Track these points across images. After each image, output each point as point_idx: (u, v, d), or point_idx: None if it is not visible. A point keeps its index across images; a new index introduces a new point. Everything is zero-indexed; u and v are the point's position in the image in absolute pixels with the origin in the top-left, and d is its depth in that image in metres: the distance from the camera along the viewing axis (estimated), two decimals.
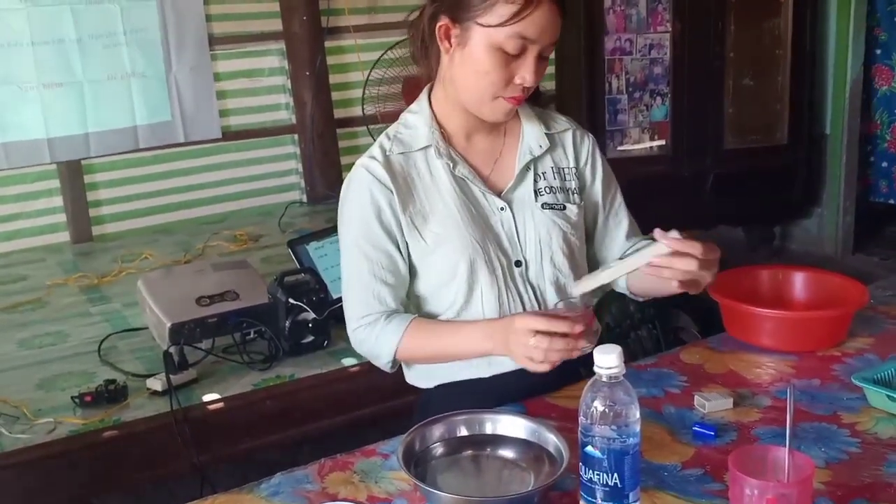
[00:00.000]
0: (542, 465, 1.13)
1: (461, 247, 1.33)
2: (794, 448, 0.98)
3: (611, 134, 3.62)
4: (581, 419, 1.01)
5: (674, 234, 1.22)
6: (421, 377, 1.43)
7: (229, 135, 3.87)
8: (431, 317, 1.38)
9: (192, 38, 3.68)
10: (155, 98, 3.64)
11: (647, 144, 3.70)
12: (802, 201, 3.97)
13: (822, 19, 3.80)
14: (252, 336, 2.25)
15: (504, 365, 1.37)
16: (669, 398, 1.36)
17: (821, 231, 4.02)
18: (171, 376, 2.04)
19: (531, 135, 1.40)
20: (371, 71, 3.61)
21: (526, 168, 1.39)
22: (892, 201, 3.96)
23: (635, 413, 1.00)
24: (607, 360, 0.99)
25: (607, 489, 1.00)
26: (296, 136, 4.02)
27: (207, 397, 2.07)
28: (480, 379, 1.36)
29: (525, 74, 1.27)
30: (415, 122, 1.38)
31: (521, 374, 1.37)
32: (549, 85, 3.54)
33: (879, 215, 4.09)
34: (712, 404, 1.30)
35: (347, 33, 3.96)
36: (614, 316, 2.75)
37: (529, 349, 1.18)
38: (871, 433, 1.22)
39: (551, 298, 1.38)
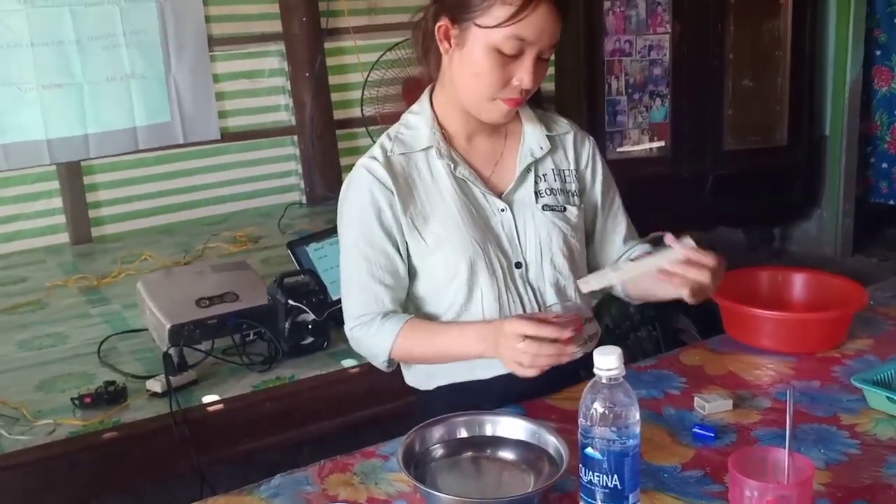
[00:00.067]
0: (542, 467, 1.13)
1: (461, 247, 1.33)
2: (793, 450, 0.98)
3: (610, 135, 3.62)
4: (581, 421, 1.01)
5: (688, 241, 1.23)
6: (421, 378, 1.43)
7: (229, 136, 3.87)
8: (431, 317, 1.38)
9: (191, 39, 3.68)
10: (154, 99, 3.64)
11: (647, 146, 3.70)
12: (802, 202, 3.98)
13: (822, 20, 3.80)
14: (252, 337, 2.25)
15: (503, 367, 1.37)
16: (669, 400, 1.36)
17: (820, 232, 4.02)
18: (171, 378, 2.04)
19: (532, 137, 1.40)
20: (370, 72, 3.61)
21: (527, 170, 1.39)
22: (892, 202, 3.96)
23: (635, 415, 1.00)
24: (607, 361, 0.99)
25: (607, 491, 1.00)
26: (295, 138, 4.02)
27: (207, 399, 2.06)
28: (480, 380, 1.36)
29: (523, 76, 1.26)
30: (416, 122, 1.38)
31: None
32: (549, 86, 3.55)
33: (879, 216, 4.09)
34: (712, 406, 1.30)
35: (347, 34, 3.96)
36: (614, 317, 2.75)
37: (518, 353, 1.18)
38: (870, 434, 1.22)
39: (551, 300, 1.38)
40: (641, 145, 3.70)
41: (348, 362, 2.20)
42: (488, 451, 1.19)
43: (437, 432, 1.19)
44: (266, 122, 3.98)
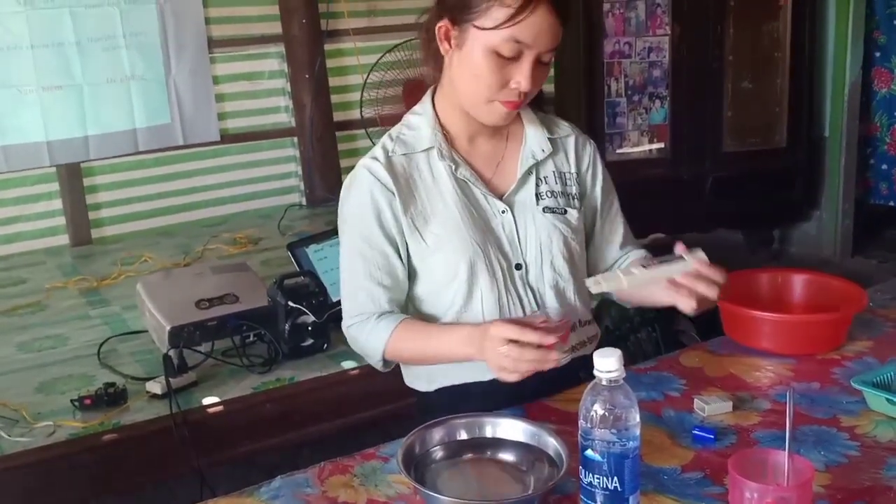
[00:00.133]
0: (542, 469, 1.14)
1: (461, 248, 1.33)
2: (793, 451, 0.98)
3: (610, 137, 3.63)
4: (581, 423, 1.01)
5: (700, 255, 1.23)
6: (421, 380, 1.43)
7: (228, 138, 3.87)
8: (431, 318, 1.39)
9: (191, 41, 3.68)
10: (154, 101, 3.64)
11: (646, 147, 3.71)
12: (801, 204, 3.98)
13: (821, 22, 3.80)
14: (252, 339, 2.25)
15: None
16: (669, 401, 1.36)
17: (820, 234, 4.02)
18: (171, 379, 2.04)
19: (534, 139, 1.40)
20: (369, 74, 3.61)
21: (528, 172, 1.39)
22: (891, 203, 3.96)
23: (635, 416, 1.00)
24: (607, 363, 0.99)
25: (607, 493, 1.00)
26: (295, 139, 4.02)
27: (207, 400, 2.06)
28: (480, 382, 1.37)
29: (520, 79, 1.27)
30: (418, 123, 1.39)
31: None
32: (549, 88, 3.55)
33: (879, 218, 4.09)
34: (712, 408, 1.30)
35: (347, 36, 3.97)
36: (614, 319, 2.75)
37: (500, 357, 1.18)
38: (870, 436, 1.23)
39: (551, 302, 1.38)
40: (641, 147, 3.71)
41: (348, 364, 2.20)
42: (488, 452, 1.19)
43: (438, 434, 1.19)
44: (266, 123, 3.98)
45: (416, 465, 1.14)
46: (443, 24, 1.30)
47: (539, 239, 1.37)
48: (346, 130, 4.04)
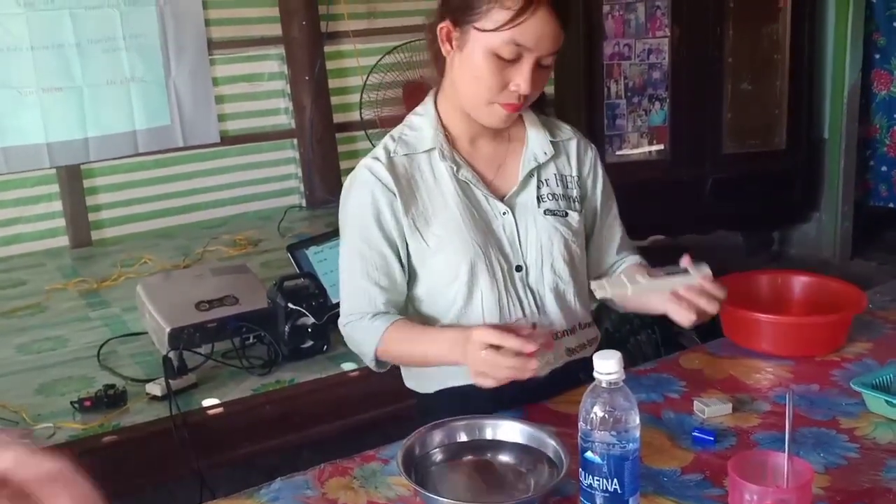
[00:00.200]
0: (542, 471, 1.14)
1: (462, 249, 1.33)
2: (793, 453, 0.98)
3: (609, 139, 3.63)
4: (581, 425, 1.01)
5: (705, 270, 1.24)
6: (420, 382, 1.43)
7: (228, 139, 3.87)
8: (431, 319, 1.39)
9: (191, 42, 3.69)
10: (154, 102, 3.65)
11: (646, 149, 3.71)
12: (801, 206, 3.98)
13: (821, 24, 3.81)
14: (251, 341, 2.26)
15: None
16: (669, 403, 1.36)
17: (819, 235, 4.02)
18: (171, 381, 2.04)
19: (536, 142, 1.41)
20: (368, 76, 3.61)
21: (529, 174, 1.39)
22: (891, 205, 3.96)
23: (635, 418, 1.00)
24: (607, 365, 0.99)
25: (607, 495, 1.00)
26: (295, 141, 4.02)
27: (207, 402, 2.06)
28: None
29: (520, 82, 1.27)
30: (420, 124, 1.39)
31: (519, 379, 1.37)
32: (548, 90, 3.54)
33: (878, 220, 4.09)
34: (711, 409, 1.30)
35: (347, 38, 3.97)
36: (613, 321, 2.75)
37: (479, 362, 1.17)
38: (869, 438, 1.23)
39: (551, 304, 1.39)
40: (640, 149, 3.71)
41: (348, 366, 2.20)
42: (488, 454, 1.19)
43: (437, 436, 1.19)
44: (266, 125, 3.99)
45: (416, 467, 1.14)
46: (444, 26, 1.31)
47: (540, 241, 1.37)
48: (346, 132, 4.05)
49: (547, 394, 1.37)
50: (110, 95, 3.54)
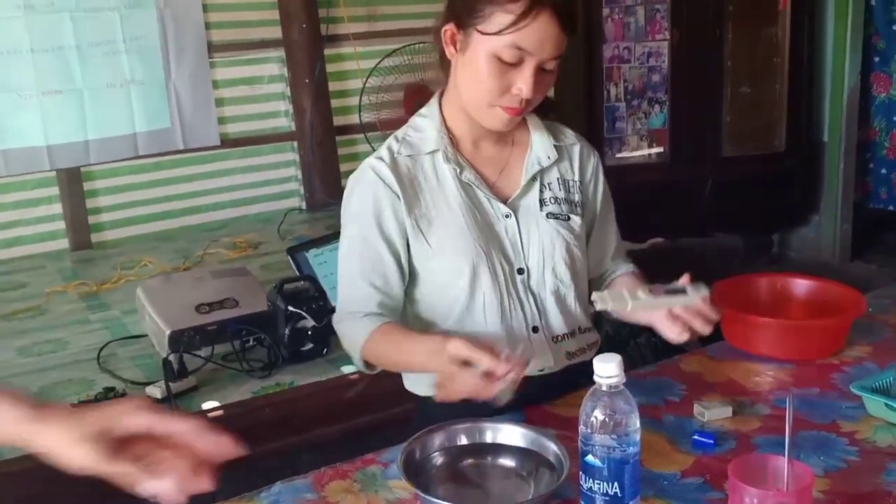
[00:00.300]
0: (543, 474, 1.14)
1: (465, 251, 1.34)
2: (793, 457, 0.98)
3: (609, 141, 3.63)
4: (581, 428, 1.01)
5: (703, 291, 1.25)
6: (420, 384, 1.43)
7: (228, 142, 3.87)
8: (432, 322, 1.39)
9: (191, 45, 3.68)
10: (154, 105, 3.65)
11: (646, 152, 3.71)
12: (800, 208, 3.98)
13: (820, 27, 3.81)
14: (251, 343, 2.25)
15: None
16: (669, 407, 1.36)
17: (819, 238, 4.02)
18: (171, 384, 2.04)
19: (540, 145, 1.41)
20: (367, 78, 3.61)
21: (533, 178, 1.40)
22: (891, 208, 3.96)
23: (635, 422, 1.00)
24: (607, 369, 1.00)
25: (607, 498, 1.00)
26: (295, 144, 4.02)
27: (207, 405, 2.06)
28: None
29: (521, 86, 1.27)
30: (424, 125, 1.39)
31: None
32: (549, 93, 3.55)
33: (878, 222, 4.09)
34: (712, 413, 1.31)
35: (347, 41, 3.97)
36: (613, 324, 2.75)
37: (443, 374, 1.16)
38: (869, 442, 1.23)
39: (551, 307, 1.39)
40: (640, 151, 3.71)
41: (348, 368, 2.20)
42: (489, 458, 1.20)
43: (438, 439, 1.19)
44: (266, 128, 3.98)
45: (417, 471, 1.14)
46: (449, 28, 1.31)
47: (542, 244, 1.38)
48: (346, 135, 4.05)
49: (547, 397, 1.37)
50: (110, 98, 3.54)
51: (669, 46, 3.57)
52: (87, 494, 1.90)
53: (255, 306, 2.25)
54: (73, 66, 3.44)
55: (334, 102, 4.00)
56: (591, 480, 1.01)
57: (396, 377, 1.46)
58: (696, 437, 1.24)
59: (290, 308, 2.18)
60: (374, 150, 1.41)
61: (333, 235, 2.44)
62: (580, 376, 1.31)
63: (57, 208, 3.56)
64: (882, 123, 3.91)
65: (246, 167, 3.95)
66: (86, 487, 1.91)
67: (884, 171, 3.96)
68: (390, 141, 1.40)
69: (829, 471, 1.15)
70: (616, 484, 1.00)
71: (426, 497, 1.07)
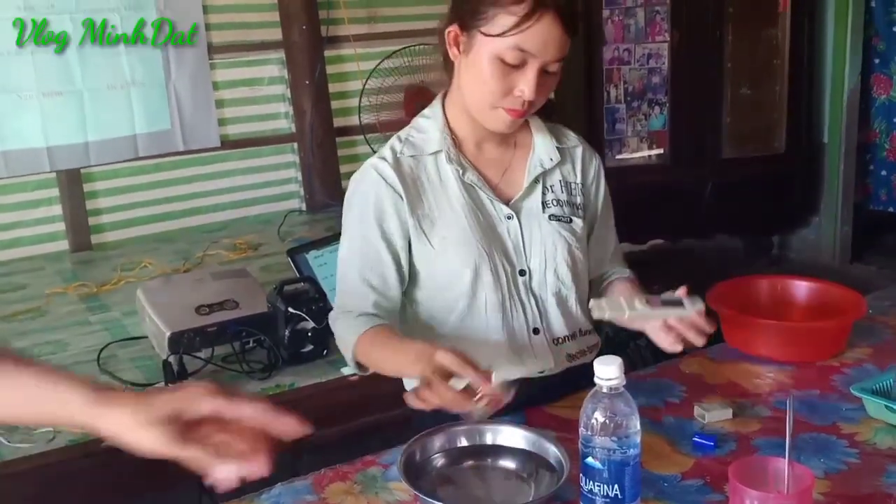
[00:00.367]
0: (543, 476, 1.14)
1: (467, 252, 1.34)
2: (793, 459, 0.98)
3: (609, 143, 3.63)
4: (581, 430, 1.01)
5: (699, 305, 1.26)
6: None
7: (229, 143, 3.87)
8: (433, 322, 1.39)
9: (191, 47, 3.69)
10: (154, 107, 3.64)
11: (646, 153, 3.71)
12: (801, 210, 3.98)
13: (820, 29, 3.81)
14: (251, 345, 2.25)
15: (503, 375, 1.37)
16: (669, 408, 1.36)
17: (819, 240, 4.02)
18: (171, 385, 2.04)
19: (542, 148, 1.41)
20: (367, 80, 3.62)
21: (535, 180, 1.40)
22: (891, 209, 3.97)
23: (636, 424, 1.00)
24: (608, 371, 1.00)
25: (608, 500, 1.00)
26: (295, 145, 4.02)
27: None
28: None
29: (524, 87, 1.27)
30: (427, 126, 1.40)
31: (521, 384, 1.37)
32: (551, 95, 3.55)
33: (878, 224, 4.09)
34: (712, 415, 1.31)
35: (347, 43, 3.97)
36: (613, 326, 2.75)
37: (424, 380, 1.13)
38: (870, 444, 1.23)
39: (553, 309, 1.39)
40: (640, 153, 3.71)
41: (348, 370, 2.20)
42: (489, 460, 1.20)
43: (438, 441, 1.19)
44: (266, 129, 3.99)
45: (417, 473, 1.14)
46: (452, 30, 1.32)
47: (544, 246, 1.38)
48: (347, 136, 4.05)
49: (547, 399, 1.37)
50: (110, 99, 3.54)
51: (669, 48, 3.57)
52: (84, 495, 1.91)
53: (255, 308, 2.25)
54: (73, 67, 3.44)
55: (334, 104, 4.00)
56: (591, 482, 1.01)
57: (397, 379, 1.46)
58: (696, 438, 1.24)
59: (290, 309, 2.18)
60: (374, 152, 1.41)
61: (333, 237, 2.44)
62: (580, 378, 1.31)
63: (57, 210, 3.56)
64: (882, 125, 3.91)
65: (246, 169, 3.95)
66: (83, 488, 1.92)
67: (884, 172, 3.96)
68: (393, 141, 1.40)
69: (830, 473, 1.15)
70: (616, 486, 1.00)
71: (426, 499, 1.07)
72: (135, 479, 1.95)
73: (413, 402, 1.12)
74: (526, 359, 1.39)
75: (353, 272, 1.36)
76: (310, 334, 2.22)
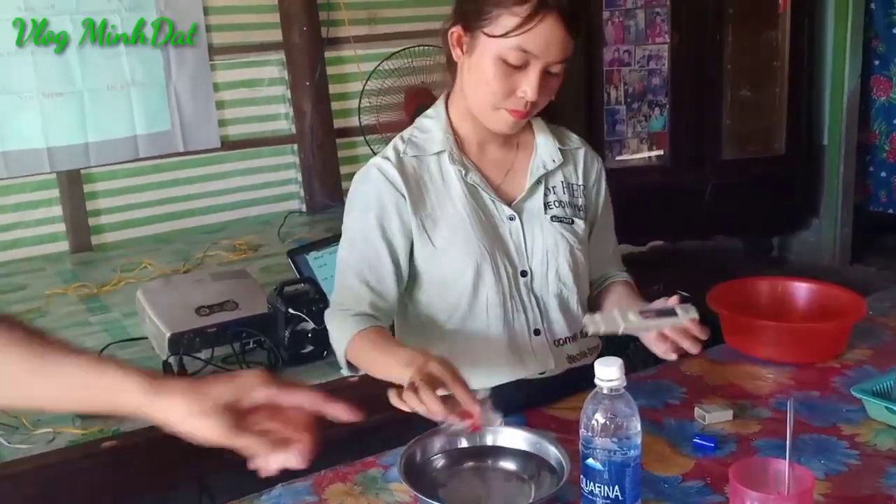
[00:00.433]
0: (543, 477, 1.14)
1: (469, 252, 1.34)
2: (794, 460, 0.98)
3: (609, 144, 3.63)
4: (582, 431, 1.01)
5: (692, 313, 1.26)
6: None
7: (229, 144, 3.87)
8: (434, 323, 1.39)
9: (191, 48, 3.69)
10: (154, 107, 3.65)
11: (646, 154, 3.71)
12: (801, 211, 3.98)
13: (820, 31, 3.81)
14: (251, 346, 2.25)
15: (504, 376, 1.37)
16: (669, 410, 1.36)
17: (819, 241, 4.02)
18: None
19: (545, 149, 1.42)
20: (367, 81, 3.62)
21: (537, 181, 1.40)
22: (891, 211, 3.97)
23: (636, 425, 1.00)
24: (608, 372, 1.00)
25: (608, 501, 1.00)
26: (295, 146, 4.02)
27: None
28: (481, 390, 1.36)
29: (526, 88, 1.28)
30: (430, 126, 1.40)
31: (521, 385, 1.38)
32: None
33: (878, 225, 4.09)
34: (712, 416, 1.31)
35: (347, 44, 3.97)
36: None
37: (411, 384, 1.10)
38: (870, 445, 1.23)
39: (554, 310, 1.39)
40: (640, 154, 3.71)
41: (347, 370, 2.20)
42: (489, 461, 1.19)
43: (438, 442, 1.19)
44: (266, 130, 3.99)
45: (417, 474, 1.14)
46: (455, 30, 1.32)
47: (546, 247, 1.38)
48: (347, 137, 4.05)
49: (547, 400, 1.37)
50: (111, 100, 3.54)
51: (669, 49, 3.57)
52: (84, 496, 1.91)
53: (255, 309, 2.25)
54: (73, 68, 3.44)
55: (334, 105, 4.00)
56: (591, 484, 1.01)
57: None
58: (696, 440, 1.24)
59: (290, 310, 2.18)
60: (374, 153, 1.41)
61: (333, 238, 2.44)
62: (581, 379, 1.31)
63: (57, 210, 3.56)
64: (882, 126, 3.91)
65: (246, 170, 3.95)
66: (83, 489, 1.92)
67: (884, 174, 3.96)
68: (396, 141, 1.40)
69: (830, 474, 1.15)
70: (617, 487, 1.00)
71: (426, 500, 1.07)
72: (135, 479, 1.96)
73: (394, 400, 1.10)
74: (526, 360, 1.39)
75: (352, 271, 1.36)
76: (310, 335, 2.22)
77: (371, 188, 1.35)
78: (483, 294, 1.35)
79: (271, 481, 1.18)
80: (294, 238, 3.51)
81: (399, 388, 1.12)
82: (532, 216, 1.39)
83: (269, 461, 0.88)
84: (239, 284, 2.38)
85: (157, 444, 1.95)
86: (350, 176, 1.42)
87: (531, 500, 1.10)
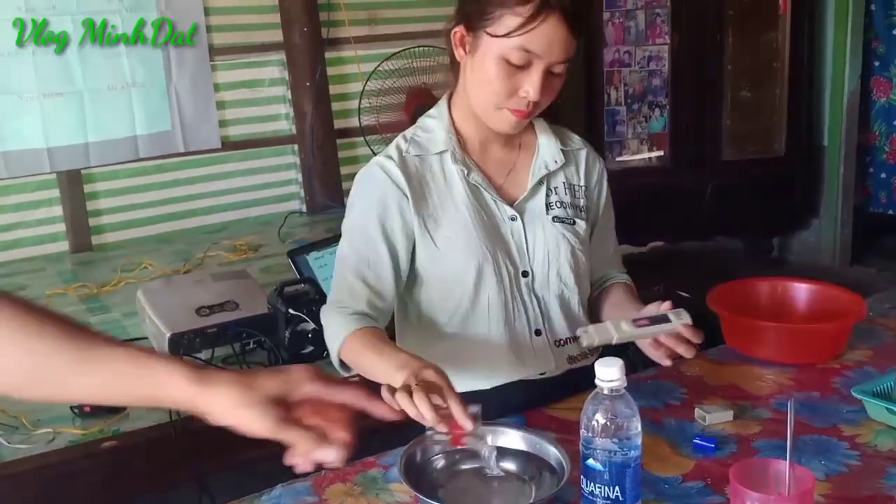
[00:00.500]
0: (544, 478, 1.14)
1: (471, 252, 1.34)
2: (794, 461, 0.98)
3: (609, 145, 3.63)
4: (582, 432, 1.01)
5: (685, 318, 1.26)
6: None
7: (229, 145, 3.87)
8: (435, 323, 1.39)
9: (192, 48, 3.69)
10: (155, 108, 3.65)
11: (646, 155, 3.71)
12: (801, 212, 3.98)
13: (820, 32, 3.81)
14: (252, 346, 2.25)
15: (504, 376, 1.37)
16: (670, 410, 1.36)
17: (819, 242, 4.03)
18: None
19: (547, 149, 1.42)
20: (367, 82, 3.62)
21: (539, 182, 1.40)
22: (890, 212, 3.97)
23: (636, 426, 1.00)
24: (609, 373, 1.00)
25: (608, 502, 1.00)
26: (296, 147, 4.02)
27: None
28: (480, 391, 1.37)
29: (529, 88, 1.28)
30: (433, 126, 1.40)
31: (520, 386, 1.38)
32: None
33: (878, 226, 4.09)
34: (713, 416, 1.31)
35: (348, 44, 3.98)
36: None
37: (403, 386, 1.10)
38: (870, 446, 1.23)
39: (555, 311, 1.39)
40: (640, 155, 3.71)
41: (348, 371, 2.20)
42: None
43: (439, 443, 1.19)
44: (266, 131, 3.99)
45: (417, 474, 1.14)
46: (458, 30, 1.32)
47: (547, 247, 1.38)
48: (347, 138, 4.05)
49: (548, 401, 1.37)
50: (111, 100, 3.54)
51: (670, 50, 3.57)
52: (84, 496, 1.91)
53: (255, 309, 2.25)
54: (73, 68, 3.44)
55: (335, 105, 4.00)
56: (592, 484, 1.01)
57: None
58: (696, 440, 1.24)
59: (291, 311, 2.18)
60: (374, 154, 1.42)
61: (334, 238, 2.44)
62: (581, 380, 1.31)
63: (57, 210, 3.56)
64: (882, 128, 3.92)
65: (246, 170, 3.95)
66: (83, 489, 1.92)
67: (884, 175, 3.96)
68: (398, 140, 1.40)
69: (830, 475, 1.15)
70: (617, 488, 1.00)
71: (427, 500, 1.07)
72: (135, 479, 1.95)
73: (386, 397, 1.09)
74: (527, 360, 1.40)
75: (351, 268, 1.36)
76: (310, 336, 2.22)
77: (374, 187, 1.35)
78: (484, 294, 1.35)
79: (271, 481, 1.18)
80: (294, 238, 3.51)
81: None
82: (534, 216, 1.39)
83: (310, 456, 0.87)
84: (239, 285, 2.38)
85: (157, 444, 1.96)
86: (350, 176, 1.42)
87: (531, 501, 1.10)
